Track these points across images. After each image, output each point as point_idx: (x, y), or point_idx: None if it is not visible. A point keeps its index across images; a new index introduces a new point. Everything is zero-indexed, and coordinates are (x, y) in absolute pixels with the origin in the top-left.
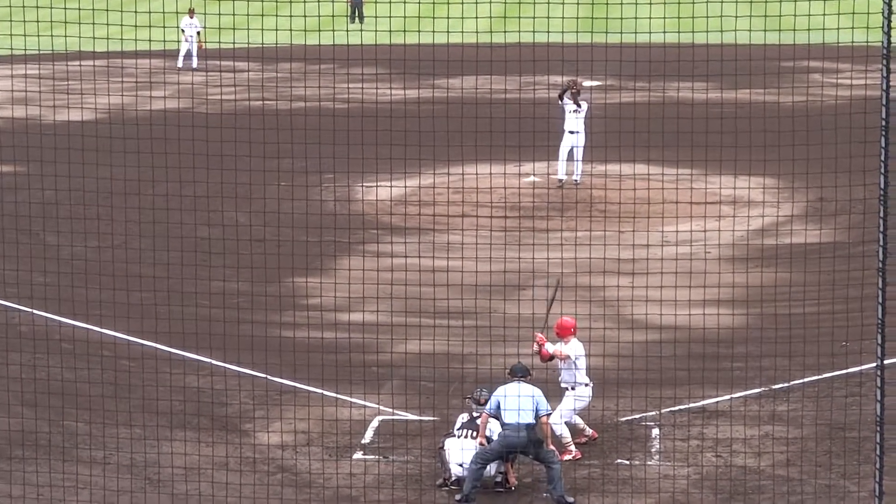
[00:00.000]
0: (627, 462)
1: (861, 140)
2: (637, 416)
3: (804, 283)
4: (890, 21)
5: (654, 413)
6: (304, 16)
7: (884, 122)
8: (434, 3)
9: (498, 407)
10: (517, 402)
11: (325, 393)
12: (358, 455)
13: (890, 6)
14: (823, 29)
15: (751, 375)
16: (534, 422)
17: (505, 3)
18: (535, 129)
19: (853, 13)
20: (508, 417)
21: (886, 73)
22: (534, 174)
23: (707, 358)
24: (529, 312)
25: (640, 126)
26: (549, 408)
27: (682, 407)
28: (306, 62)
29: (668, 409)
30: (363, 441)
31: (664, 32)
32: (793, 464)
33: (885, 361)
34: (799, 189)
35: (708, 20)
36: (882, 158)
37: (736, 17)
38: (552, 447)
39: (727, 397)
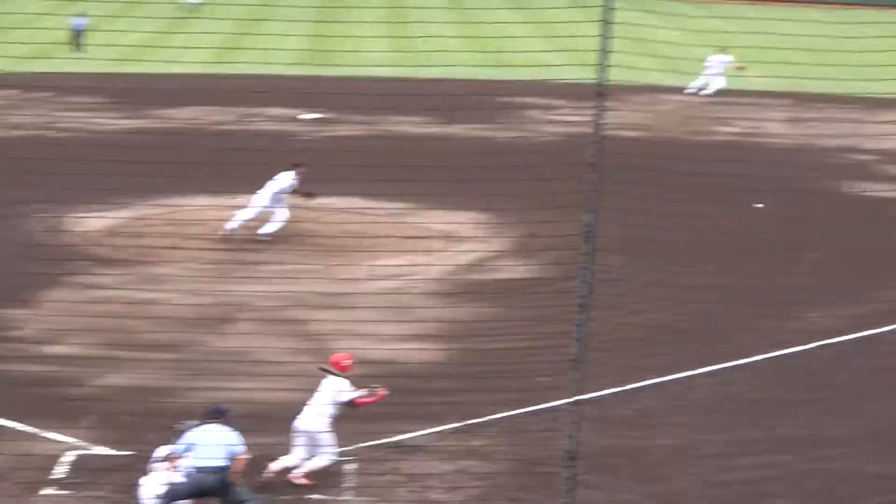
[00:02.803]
0: (320, 497)
1: (571, 177)
2: None
3: (508, 318)
4: (604, 59)
5: (349, 448)
6: (24, 43)
7: (593, 160)
8: (157, 33)
9: (190, 448)
10: (209, 444)
11: (18, 426)
12: (48, 491)
13: (606, 45)
14: (540, 65)
15: (449, 410)
16: (226, 465)
17: (228, 34)
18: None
19: (567, 50)
20: (199, 460)
21: (600, 113)
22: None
23: (407, 392)
24: (234, 346)
25: (358, 159)
26: (244, 448)
27: (378, 442)
28: (25, 90)
29: (363, 444)
30: (54, 476)
31: (385, 66)
32: (486, 499)
33: (579, 397)
34: (510, 224)
35: (429, 55)
36: (590, 196)
37: (456, 52)
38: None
39: (424, 432)
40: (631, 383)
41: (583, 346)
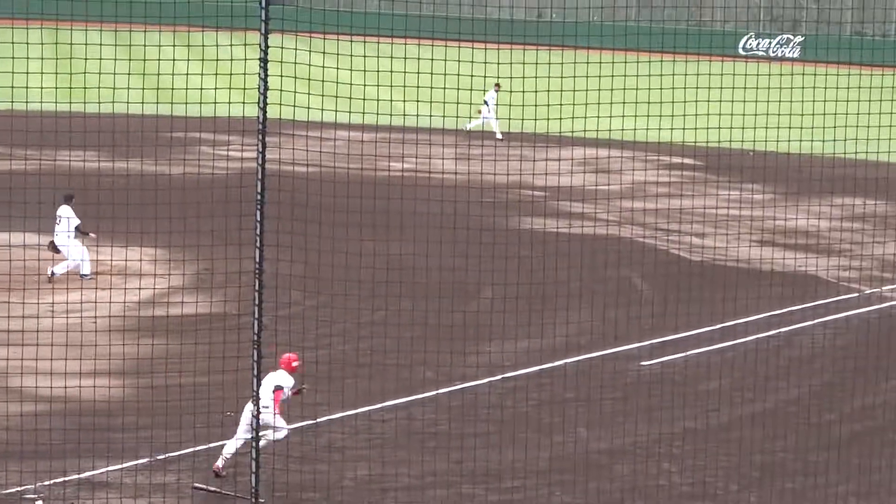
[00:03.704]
0: None
1: (244, 213)
2: (18, 489)
3: (188, 354)
4: (266, 96)
5: (35, 486)
6: None
7: (259, 196)
8: None
9: None
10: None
11: None
12: None
13: (266, 81)
14: (209, 102)
15: (135, 446)
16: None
17: None
18: None
19: (231, 87)
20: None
21: (262, 148)
22: None
23: (91, 429)
24: None
25: (31, 195)
26: None
27: (64, 479)
28: None
29: (50, 482)
30: None
31: (51, 102)
32: None
33: (262, 433)
34: (186, 260)
35: (99, 91)
36: (257, 232)
37: (127, 89)
38: None
39: (111, 468)
40: (316, 418)
41: (259, 381)
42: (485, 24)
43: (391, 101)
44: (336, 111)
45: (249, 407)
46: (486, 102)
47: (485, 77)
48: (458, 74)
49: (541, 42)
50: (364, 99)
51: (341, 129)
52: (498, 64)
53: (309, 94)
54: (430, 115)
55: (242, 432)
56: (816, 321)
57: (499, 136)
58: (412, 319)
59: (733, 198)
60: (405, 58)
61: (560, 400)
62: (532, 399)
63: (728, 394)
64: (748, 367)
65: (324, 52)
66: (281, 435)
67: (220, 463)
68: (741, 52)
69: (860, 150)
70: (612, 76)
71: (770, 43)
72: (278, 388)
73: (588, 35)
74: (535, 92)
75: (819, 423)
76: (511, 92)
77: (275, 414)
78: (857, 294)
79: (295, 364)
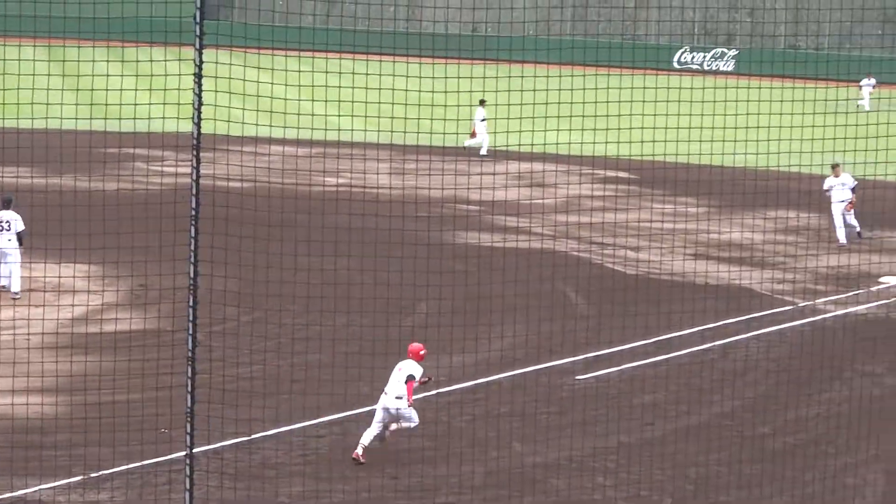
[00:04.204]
0: None
1: (179, 228)
2: None
3: (123, 371)
4: (200, 111)
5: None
6: None
7: (193, 211)
8: None
9: None
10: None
11: None
12: None
13: (200, 96)
14: (148, 118)
15: (69, 464)
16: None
17: None
18: None
19: (166, 102)
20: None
21: (196, 163)
22: None
23: (24, 447)
24: None
25: None
26: None
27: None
28: None
29: None
30: None
31: None
32: None
33: (197, 449)
34: (121, 276)
35: (33, 107)
36: (191, 247)
37: (60, 104)
38: None
39: (44, 486)
40: (250, 434)
41: (193, 398)
42: (419, 39)
43: (326, 115)
44: (271, 126)
45: (385, 398)
46: (482, 120)
47: (419, 91)
48: (393, 89)
49: (476, 56)
50: (299, 114)
51: (276, 144)
52: (433, 78)
53: (244, 109)
54: (366, 130)
55: (378, 421)
56: (750, 334)
57: (483, 151)
58: (348, 335)
59: (668, 211)
60: (340, 72)
61: (495, 414)
62: (467, 414)
63: (663, 407)
64: (682, 380)
65: (258, 67)
66: (413, 424)
67: (359, 451)
68: (676, 65)
69: (794, 164)
70: (547, 90)
71: (704, 56)
72: (410, 379)
73: (524, 49)
74: (471, 106)
75: (753, 436)
76: (446, 106)
77: (409, 404)
78: (790, 307)
79: (423, 353)
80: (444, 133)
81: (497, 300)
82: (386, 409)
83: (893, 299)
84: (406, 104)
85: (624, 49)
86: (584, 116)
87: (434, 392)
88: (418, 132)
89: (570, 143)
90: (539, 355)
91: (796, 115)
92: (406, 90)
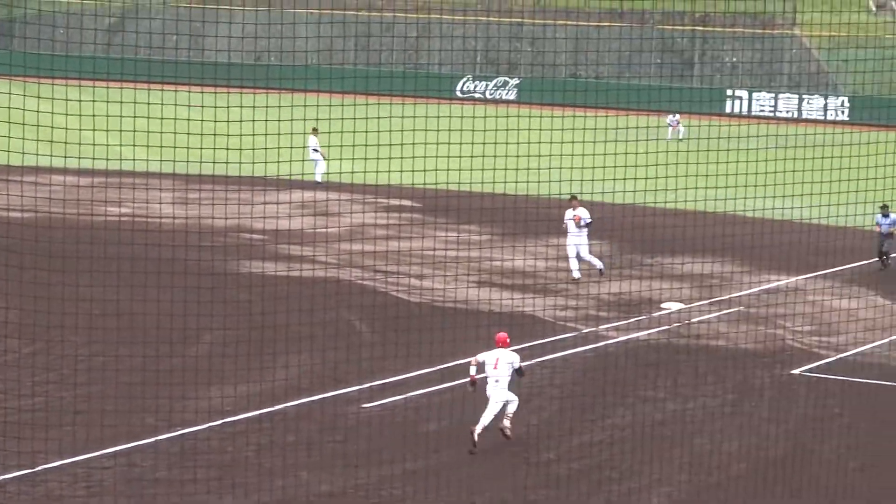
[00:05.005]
0: None
1: None
2: None
3: None
4: None
5: None
6: None
7: None
8: None
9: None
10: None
11: None
12: None
13: None
14: None
15: None
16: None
17: None
18: None
19: None
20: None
21: None
22: None
23: None
24: None
25: None
26: None
27: None
28: None
29: None
30: None
31: None
32: None
33: None
34: None
35: None
36: None
37: None
38: None
39: None
40: (33, 467)
41: None
42: (202, 68)
43: (108, 145)
44: (52, 156)
45: (496, 389)
46: (315, 149)
47: (202, 120)
48: (176, 119)
49: (258, 85)
50: (80, 143)
51: (58, 174)
52: (215, 108)
53: (24, 138)
54: (148, 160)
55: (495, 406)
56: (534, 361)
57: (318, 178)
58: (131, 365)
59: (451, 239)
60: (122, 102)
61: (281, 444)
62: (253, 444)
63: (448, 435)
64: (468, 407)
65: (39, 97)
66: (515, 406)
67: (477, 429)
68: (459, 94)
69: (575, 191)
70: (330, 119)
71: (487, 85)
72: (520, 373)
73: (306, 78)
74: (253, 136)
75: (539, 462)
76: (228, 136)
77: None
78: (574, 333)
79: (508, 340)
80: (226, 162)
81: (282, 329)
82: (497, 400)
83: (675, 325)
84: (188, 133)
85: (406, 78)
86: (366, 146)
87: (220, 422)
88: (201, 161)
89: (352, 173)
90: (325, 384)
91: (577, 143)
92: (188, 119)
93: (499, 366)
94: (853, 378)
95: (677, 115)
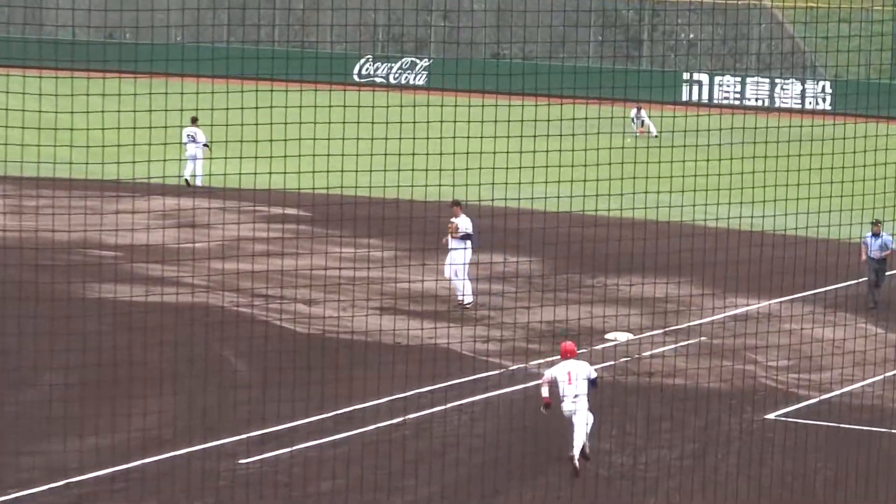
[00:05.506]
0: None
1: None
2: None
3: None
4: None
5: None
6: None
7: None
8: None
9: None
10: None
11: None
12: None
13: None
14: None
15: None
16: None
17: None
18: None
19: None
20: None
21: None
22: None
23: None
24: None
25: None
26: None
27: None
28: None
29: None
30: None
31: None
32: None
33: None
34: None
35: None
36: None
37: None
38: None
39: None
40: None
41: None
42: (39, 47)
43: None
44: None
45: (577, 405)
46: (194, 140)
47: (39, 112)
48: (7, 109)
49: (109, 68)
50: None
51: None
52: (56, 96)
53: None
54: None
55: (582, 424)
56: (451, 405)
57: (198, 181)
58: None
59: (348, 256)
60: None
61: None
62: None
63: (344, 496)
64: (368, 462)
65: None
66: (592, 421)
67: (575, 453)
68: (356, 78)
69: (498, 197)
70: (198, 109)
71: (391, 68)
72: (594, 385)
73: (167, 59)
74: (103, 129)
75: None
76: (72, 130)
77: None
78: (499, 371)
79: (576, 350)
80: (70, 162)
81: (139, 367)
82: (582, 418)
83: (622, 360)
84: (23, 128)
85: (291, 59)
86: (241, 142)
87: (63, 482)
88: (39, 161)
89: (225, 175)
90: (192, 435)
91: (500, 137)
92: (23, 110)
93: (573, 380)
94: (840, 424)
95: (643, 111)
